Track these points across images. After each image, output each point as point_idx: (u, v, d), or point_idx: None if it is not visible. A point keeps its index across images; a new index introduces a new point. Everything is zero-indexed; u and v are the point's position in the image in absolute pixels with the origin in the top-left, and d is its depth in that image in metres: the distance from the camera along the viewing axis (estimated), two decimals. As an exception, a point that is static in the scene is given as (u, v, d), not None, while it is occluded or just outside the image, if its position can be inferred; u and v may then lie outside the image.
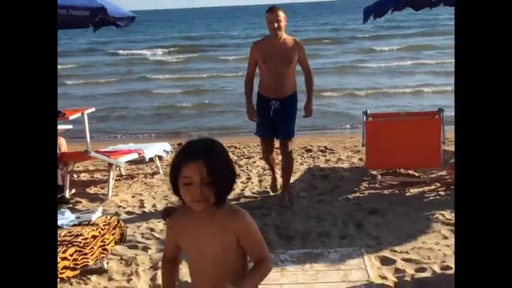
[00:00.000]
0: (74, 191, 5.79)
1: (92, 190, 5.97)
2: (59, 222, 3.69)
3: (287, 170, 5.21)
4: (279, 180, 5.41)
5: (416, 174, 5.93)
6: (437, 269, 3.69)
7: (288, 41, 4.97)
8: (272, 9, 4.89)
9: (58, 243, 3.35)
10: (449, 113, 6.23)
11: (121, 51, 28.38)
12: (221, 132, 10.39)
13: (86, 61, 24.38)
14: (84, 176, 6.53)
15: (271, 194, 5.53)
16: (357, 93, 13.88)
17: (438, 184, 5.55)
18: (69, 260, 3.24)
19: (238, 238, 1.85)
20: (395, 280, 3.56)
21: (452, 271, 3.62)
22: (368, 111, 5.83)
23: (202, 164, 1.71)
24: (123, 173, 6.50)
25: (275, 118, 4.98)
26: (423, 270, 3.68)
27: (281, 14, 4.86)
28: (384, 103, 12.41)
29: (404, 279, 3.57)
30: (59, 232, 3.56)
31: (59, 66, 20.28)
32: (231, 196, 5.34)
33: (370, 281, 3.52)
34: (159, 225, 4.74)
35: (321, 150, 7.50)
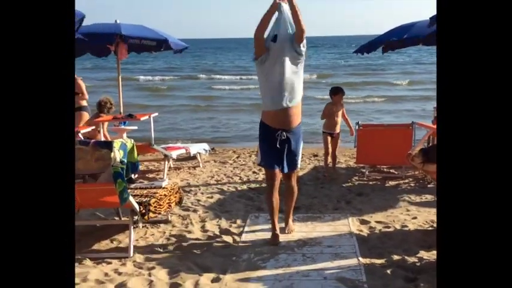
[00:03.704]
0: (136, 175, 7.21)
1: (149, 176, 7.39)
2: (143, 186, 5.11)
3: (290, 201, 4.88)
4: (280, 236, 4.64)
5: (395, 172, 7.26)
6: (398, 227, 4.96)
7: None
8: None
9: (143, 196, 4.76)
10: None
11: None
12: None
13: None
14: (141, 167, 7.96)
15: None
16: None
17: (411, 179, 6.87)
18: (152, 205, 4.63)
19: None
20: (368, 232, 4.88)
21: (408, 228, 4.93)
22: (360, 122, 7.19)
23: None
24: (171, 166, 7.92)
25: (282, 149, 4.47)
26: (388, 227, 4.96)
27: None
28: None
29: (375, 232, 4.89)
30: (141, 191, 4.98)
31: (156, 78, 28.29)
32: (249, 182, 6.79)
33: (351, 231, 4.85)
34: (203, 197, 6.13)
35: (325, 156, 8.83)
